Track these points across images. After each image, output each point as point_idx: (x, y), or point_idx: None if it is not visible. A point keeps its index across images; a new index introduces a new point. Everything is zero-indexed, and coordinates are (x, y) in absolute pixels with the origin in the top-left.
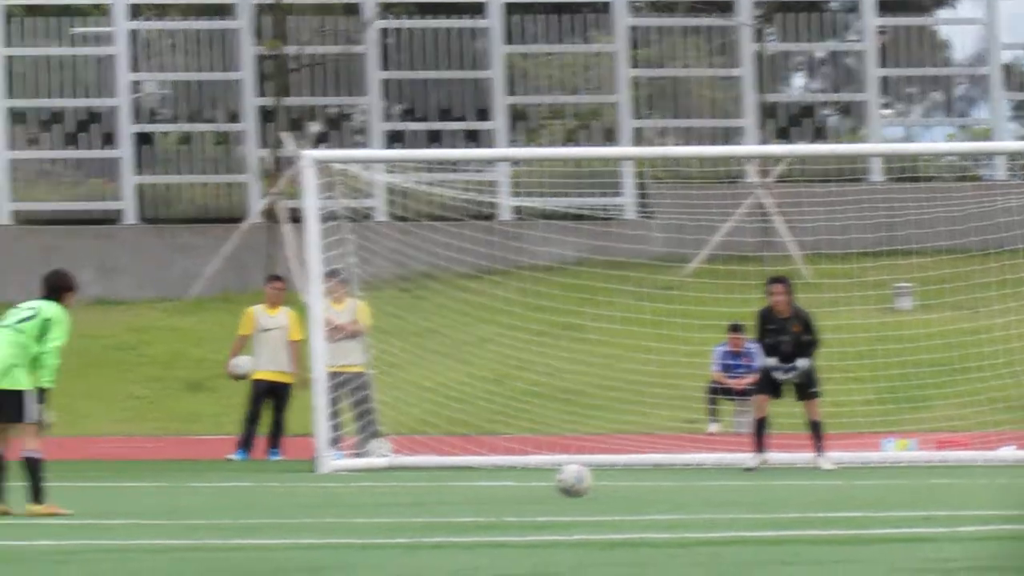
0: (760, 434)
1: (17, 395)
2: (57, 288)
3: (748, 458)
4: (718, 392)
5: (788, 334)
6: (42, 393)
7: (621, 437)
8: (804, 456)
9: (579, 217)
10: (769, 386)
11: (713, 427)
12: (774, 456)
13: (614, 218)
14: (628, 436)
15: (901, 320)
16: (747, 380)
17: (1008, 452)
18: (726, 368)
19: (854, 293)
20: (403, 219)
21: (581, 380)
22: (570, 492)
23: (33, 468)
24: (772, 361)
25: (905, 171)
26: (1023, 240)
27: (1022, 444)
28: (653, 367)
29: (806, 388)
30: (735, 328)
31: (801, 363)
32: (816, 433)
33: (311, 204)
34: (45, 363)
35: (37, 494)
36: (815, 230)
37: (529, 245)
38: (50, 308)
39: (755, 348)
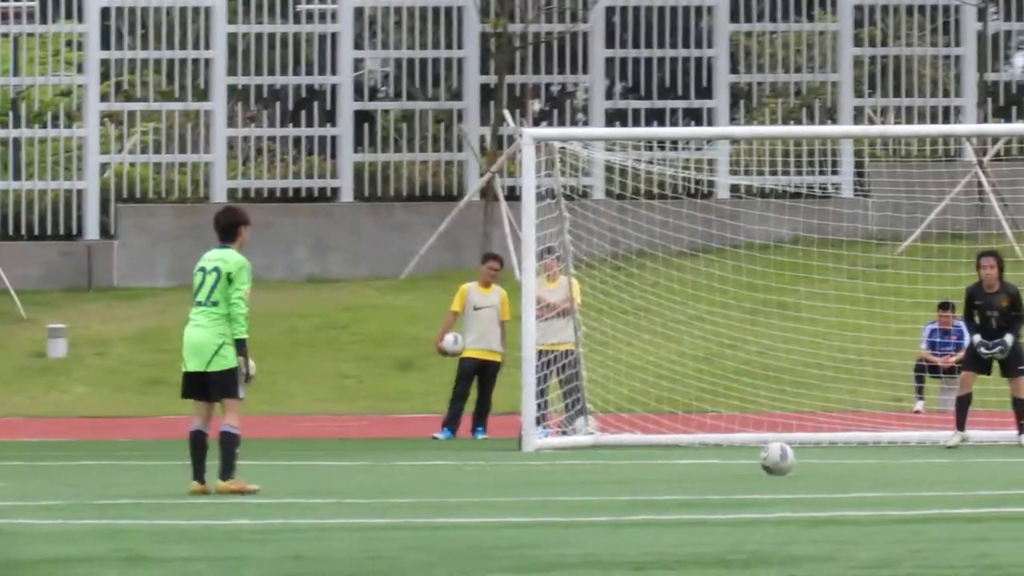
0: (963, 412)
1: (228, 373)
2: (231, 225)
3: (949, 435)
4: (925, 370)
5: (996, 309)
6: (240, 344)
7: (827, 415)
8: (1007, 434)
9: (796, 195)
10: (976, 363)
11: (919, 405)
12: (976, 434)
13: (831, 196)
14: (834, 414)
15: None
16: (955, 358)
17: None
18: (934, 346)
19: None
20: (620, 197)
21: (790, 358)
22: (773, 470)
23: (227, 443)
24: (978, 337)
25: None
26: None
27: None
28: (862, 345)
29: (1013, 365)
30: (945, 306)
31: (1008, 338)
32: (1020, 411)
33: (529, 182)
34: (235, 314)
35: (226, 470)
36: None
37: (745, 224)
38: (228, 259)
39: (963, 326)
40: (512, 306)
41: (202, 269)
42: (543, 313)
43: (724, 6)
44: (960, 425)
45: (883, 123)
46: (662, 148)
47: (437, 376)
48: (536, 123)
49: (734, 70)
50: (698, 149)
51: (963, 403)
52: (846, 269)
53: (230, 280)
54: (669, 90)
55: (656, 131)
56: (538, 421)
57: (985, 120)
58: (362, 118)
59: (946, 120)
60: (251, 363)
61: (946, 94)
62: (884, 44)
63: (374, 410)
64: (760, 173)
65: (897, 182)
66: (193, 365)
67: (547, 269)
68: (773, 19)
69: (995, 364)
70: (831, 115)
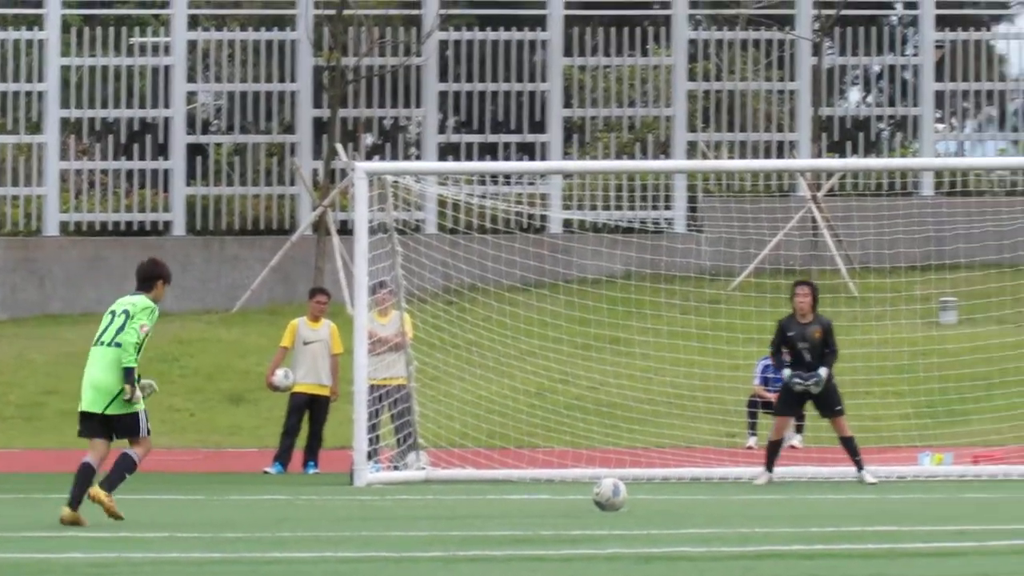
0: (773, 454)
1: (131, 416)
2: (149, 277)
3: (758, 473)
4: (758, 406)
5: (808, 340)
6: (127, 372)
7: (659, 451)
8: (842, 470)
9: (628, 230)
10: (790, 405)
11: (752, 441)
12: (812, 470)
13: (663, 231)
14: (667, 450)
15: (945, 334)
16: None
17: None
18: (767, 382)
19: (900, 307)
20: (453, 231)
21: (622, 394)
22: (605, 506)
23: (123, 463)
24: (788, 372)
25: (955, 185)
26: None
27: None
28: (695, 380)
29: (829, 406)
30: None
31: (823, 371)
32: (851, 448)
33: (361, 216)
34: (124, 342)
35: (111, 484)
36: (864, 244)
37: (577, 258)
38: (136, 303)
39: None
40: (344, 340)
41: (112, 312)
42: (375, 347)
43: (558, 40)
44: (769, 466)
45: (717, 158)
46: (495, 182)
47: (268, 410)
48: (369, 157)
49: (567, 104)
50: (531, 183)
51: (775, 447)
52: (679, 304)
53: (127, 321)
54: (502, 124)
55: (489, 165)
56: (369, 456)
57: (819, 155)
58: (194, 151)
59: (780, 155)
60: (148, 380)
61: (780, 129)
62: (718, 79)
63: (205, 444)
64: (593, 208)
65: (731, 217)
66: (90, 405)
67: (379, 303)
68: (607, 53)
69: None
70: (664, 150)
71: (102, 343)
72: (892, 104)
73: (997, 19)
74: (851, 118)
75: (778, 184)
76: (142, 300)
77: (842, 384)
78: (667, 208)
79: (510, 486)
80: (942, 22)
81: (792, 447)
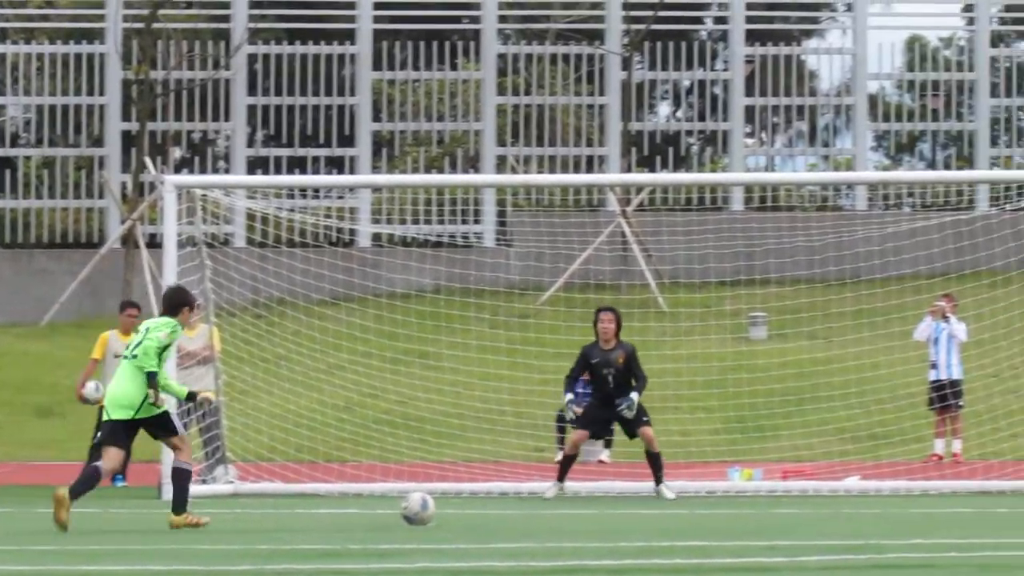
0: (566, 467)
1: (163, 416)
2: (175, 305)
3: (547, 487)
4: (567, 421)
5: (613, 366)
6: (150, 377)
7: (468, 465)
8: (647, 485)
9: (438, 244)
10: (595, 422)
11: (560, 455)
12: (621, 485)
13: (473, 246)
14: (475, 464)
15: (755, 350)
16: None
17: (853, 482)
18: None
19: (709, 322)
20: (262, 245)
21: (431, 408)
22: (414, 520)
23: (179, 479)
24: (570, 396)
25: (765, 200)
26: (880, 270)
27: (867, 474)
28: (504, 395)
29: (635, 425)
30: None
31: (634, 395)
32: (655, 463)
33: (170, 229)
34: (146, 347)
35: (179, 505)
36: (673, 259)
37: (387, 272)
38: (158, 321)
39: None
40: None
41: (137, 330)
42: (183, 361)
43: (367, 54)
44: (561, 478)
45: (526, 172)
46: (304, 196)
47: (77, 423)
48: (178, 170)
49: (376, 118)
50: (340, 197)
51: (569, 461)
52: (488, 319)
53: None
54: (311, 138)
55: (298, 179)
56: None
57: (629, 169)
58: (3, 164)
59: (590, 169)
60: (206, 395)
61: (590, 143)
62: (528, 93)
63: (15, 457)
64: (402, 222)
65: (540, 231)
66: (119, 413)
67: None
68: (416, 67)
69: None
70: (474, 164)
71: (124, 356)
72: (702, 119)
73: (807, 34)
74: (661, 133)
75: (588, 199)
76: (164, 319)
77: (651, 399)
78: (476, 222)
79: (318, 500)
80: (752, 37)
81: (600, 462)
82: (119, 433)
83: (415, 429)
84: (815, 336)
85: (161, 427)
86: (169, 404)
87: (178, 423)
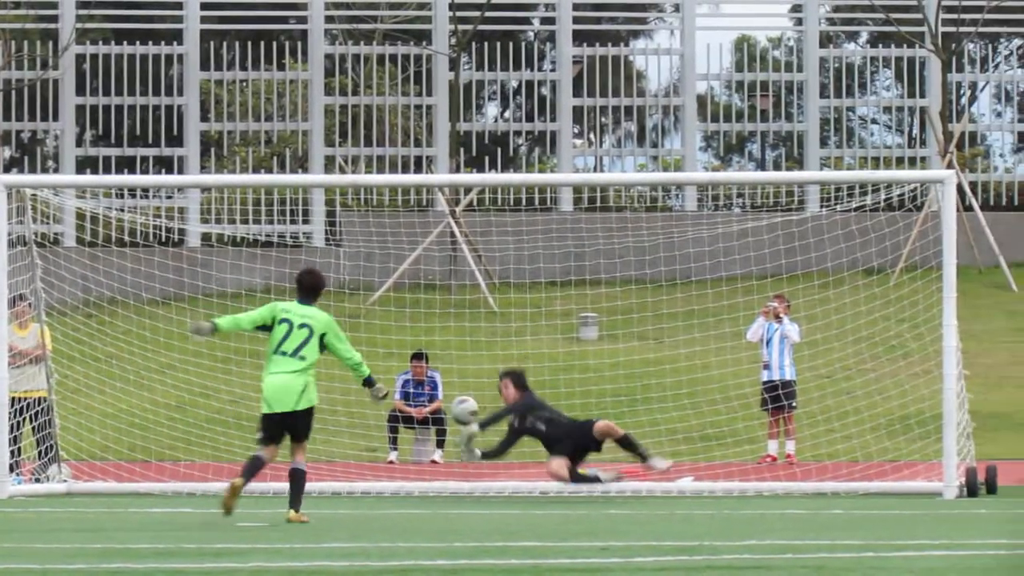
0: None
1: (310, 412)
2: (316, 287)
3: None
4: (399, 420)
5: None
6: (370, 379)
7: None
8: (486, 485)
9: (268, 244)
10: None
11: (393, 455)
12: (452, 486)
13: (303, 245)
14: (309, 464)
15: (586, 350)
16: (428, 409)
17: (686, 483)
18: (407, 396)
19: (540, 322)
20: (92, 244)
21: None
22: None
23: (299, 479)
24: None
25: (595, 201)
26: (711, 271)
27: (700, 475)
28: (336, 395)
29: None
30: (417, 356)
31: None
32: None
33: (1, 229)
34: (355, 362)
35: (297, 502)
36: (503, 259)
37: (217, 272)
38: (316, 317)
39: (437, 377)
40: None
41: (289, 321)
42: (15, 360)
43: (195, 54)
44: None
45: (355, 172)
46: (133, 196)
47: None
48: (7, 170)
49: (204, 118)
50: (169, 197)
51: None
52: None
53: (323, 339)
54: (140, 138)
55: (126, 179)
56: (11, 468)
57: (458, 170)
58: None
59: (419, 170)
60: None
61: (419, 143)
62: (355, 93)
63: None
64: (232, 222)
65: (370, 231)
66: (280, 407)
67: (18, 316)
68: (244, 67)
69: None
70: (302, 164)
71: (283, 353)
72: (530, 119)
73: (635, 34)
74: (489, 133)
75: (417, 199)
76: (321, 315)
77: (483, 399)
78: (306, 222)
79: (152, 499)
80: (579, 37)
81: (433, 462)
82: (273, 429)
83: (247, 429)
84: (646, 336)
85: (304, 427)
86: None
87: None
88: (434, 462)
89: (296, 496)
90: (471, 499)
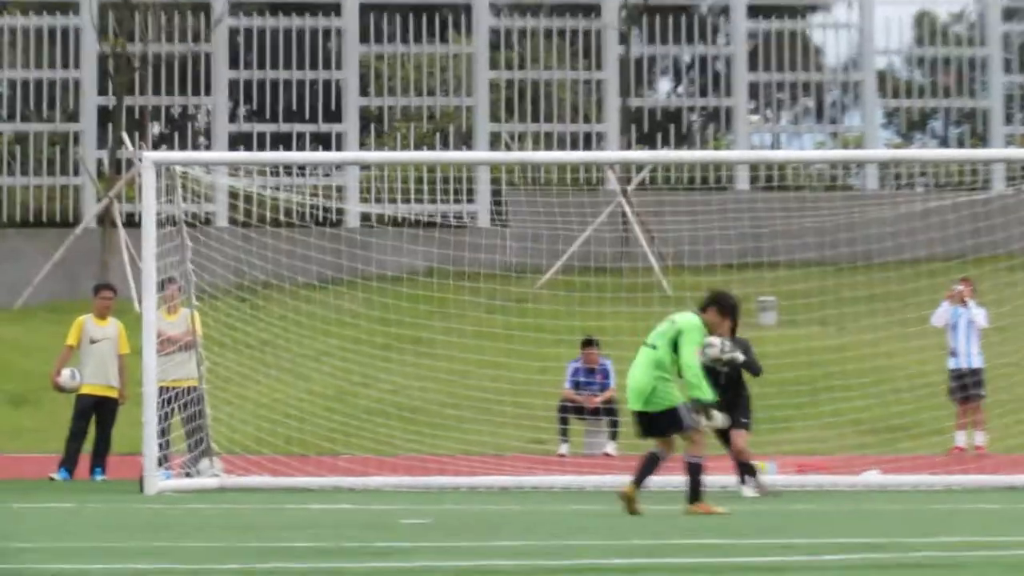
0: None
1: (669, 413)
2: (709, 302)
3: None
4: (569, 411)
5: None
6: (695, 402)
7: (467, 458)
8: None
9: (430, 224)
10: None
11: (563, 448)
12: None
13: (466, 226)
14: (475, 457)
15: (764, 336)
16: (600, 398)
17: (872, 476)
18: (578, 385)
19: None
20: (245, 225)
21: (426, 397)
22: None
23: (690, 472)
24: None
25: (772, 180)
26: (893, 252)
27: (887, 468)
28: (502, 384)
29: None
30: (588, 343)
31: None
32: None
33: (149, 208)
34: (688, 380)
35: (694, 495)
36: (677, 240)
37: (377, 254)
38: (687, 318)
39: (609, 365)
40: (131, 339)
41: (670, 319)
42: (164, 347)
43: (354, 27)
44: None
45: (521, 149)
46: (288, 174)
47: (52, 412)
48: (156, 146)
49: (364, 93)
50: (326, 175)
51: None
52: (483, 303)
53: (678, 335)
54: (296, 113)
55: (282, 156)
56: (160, 462)
57: (629, 147)
58: None
59: (588, 147)
60: (716, 414)
61: (588, 120)
62: (521, 68)
63: None
64: (392, 201)
65: (537, 212)
66: (634, 404)
67: (168, 300)
68: (405, 41)
69: None
70: (466, 140)
71: (645, 343)
72: (704, 95)
73: (812, 8)
74: (661, 109)
75: (586, 177)
76: (692, 318)
77: None
78: (470, 202)
79: (310, 495)
80: (754, 11)
81: (606, 454)
82: (644, 425)
83: (409, 420)
84: (826, 322)
85: (668, 425)
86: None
87: (687, 417)
88: (607, 455)
89: (692, 488)
90: (646, 494)
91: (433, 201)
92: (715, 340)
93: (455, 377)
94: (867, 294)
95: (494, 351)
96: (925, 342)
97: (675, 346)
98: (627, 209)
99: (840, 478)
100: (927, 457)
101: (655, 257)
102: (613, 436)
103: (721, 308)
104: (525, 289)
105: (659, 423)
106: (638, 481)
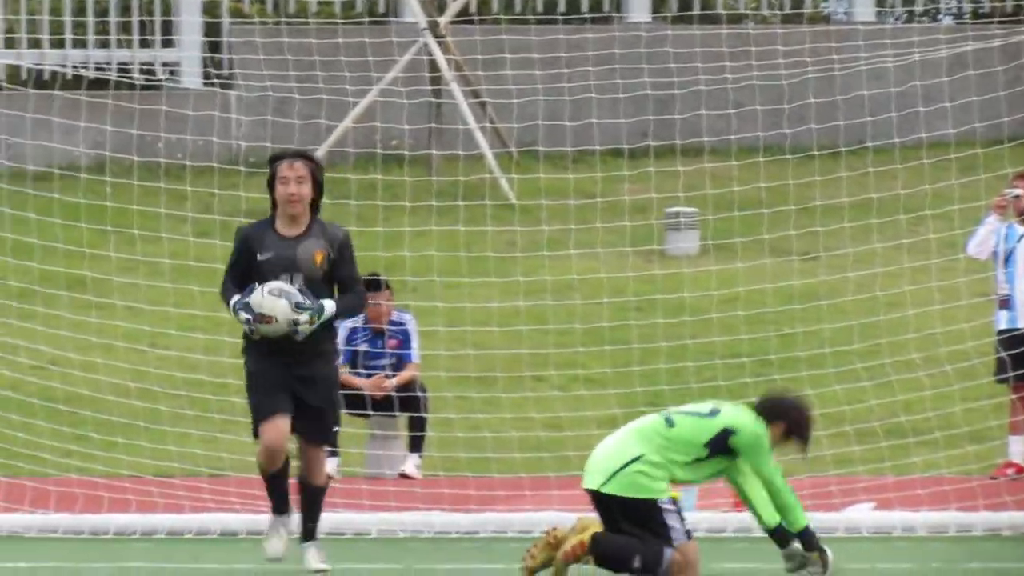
0: None
1: (644, 504)
2: (782, 419)
3: None
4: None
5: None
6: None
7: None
8: None
9: (98, 84)
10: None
11: (330, 466)
12: None
13: (161, 87)
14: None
15: (679, 273)
16: (394, 380)
17: (862, 512)
18: (355, 359)
19: (594, 223)
20: None
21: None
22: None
23: None
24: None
25: (690, 3)
26: (898, 131)
27: (887, 500)
28: (199, 355)
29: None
30: (374, 285)
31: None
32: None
33: None
34: (779, 501)
35: None
36: (526, 110)
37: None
38: (740, 420)
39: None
40: None
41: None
42: None
43: None
44: None
45: None
46: None
47: None
48: None
49: None
50: None
51: None
52: (192, 219)
53: (729, 440)
54: None
55: None
56: None
57: None
58: None
59: None
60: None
61: None
62: None
63: None
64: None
65: (284, 62)
66: (589, 480)
67: None
68: None
69: None
70: None
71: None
72: None
73: None
74: None
75: (369, 4)
76: (752, 423)
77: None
78: (167, 46)
79: None
80: None
81: (403, 475)
82: None
83: None
84: (783, 248)
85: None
86: None
87: None
88: (404, 475)
89: None
90: None
91: (105, 46)
92: None
93: (136, 345)
94: (854, 199)
95: (204, 301)
96: (955, 283)
97: (712, 446)
98: (438, 56)
99: (808, 516)
100: (959, 480)
101: (488, 138)
102: (416, 446)
103: (799, 432)
104: (263, 196)
105: (626, 511)
106: None
